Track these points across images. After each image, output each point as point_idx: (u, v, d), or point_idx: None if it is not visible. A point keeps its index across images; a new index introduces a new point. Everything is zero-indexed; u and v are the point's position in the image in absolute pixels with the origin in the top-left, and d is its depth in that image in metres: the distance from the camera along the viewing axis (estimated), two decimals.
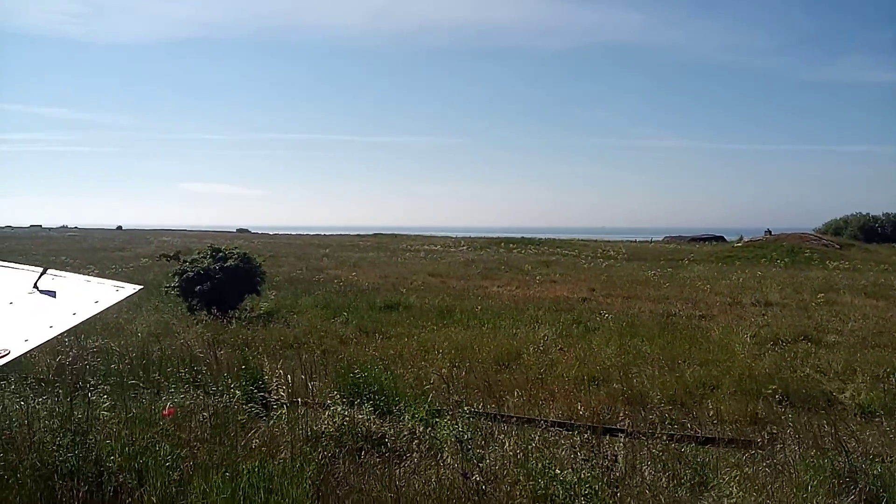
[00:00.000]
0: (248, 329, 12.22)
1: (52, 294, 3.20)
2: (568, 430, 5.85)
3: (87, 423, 4.88)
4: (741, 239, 46.15)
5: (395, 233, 68.59)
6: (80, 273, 3.49)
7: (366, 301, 16.74)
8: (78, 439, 4.55)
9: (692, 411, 7.58)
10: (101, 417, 5.29)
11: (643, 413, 7.10)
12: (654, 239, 56.68)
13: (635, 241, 52.06)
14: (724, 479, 4.81)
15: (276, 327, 12.70)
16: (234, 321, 13.09)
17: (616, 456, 4.39)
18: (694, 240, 53.06)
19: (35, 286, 3.29)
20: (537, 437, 5.35)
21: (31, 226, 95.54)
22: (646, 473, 4.56)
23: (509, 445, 5.07)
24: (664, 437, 5.51)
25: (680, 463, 5.06)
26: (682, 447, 5.60)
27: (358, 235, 61.06)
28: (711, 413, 7.38)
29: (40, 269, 3.37)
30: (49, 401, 5.77)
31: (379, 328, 12.86)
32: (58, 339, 2.92)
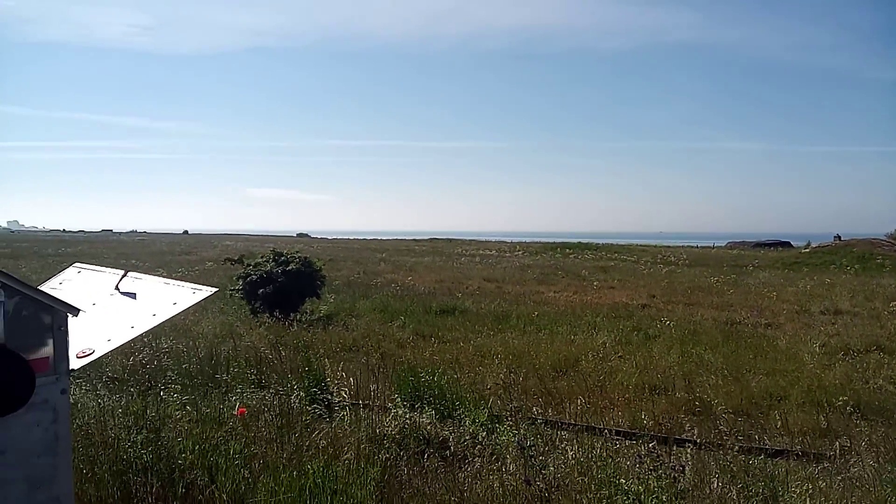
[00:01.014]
0: (309, 331, 12.45)
1: (133, 296, 3.36)
2: (631, 440, 5.76)
3: (160, 422, 5.06)
4: (808, 244, 44.56)
5: (451, 237, 68.87)
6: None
7: (422, 305, 16.84)
8: (151, 437, 4.71)
9: (759, 422, 7.38)
10: (172, 416, 5.47)
11: (707, 424, 6.94)
12: (716, 244, 55.40)
13: (697, 247, 50.92)
14: (795, 493, 4.65)
15: (336, 330, 12.90)
16: (295, 323, 13.36)
17: (683, 467, 4.30)
18: (758, 245, 51.54)
19: (117, 288, 3.46)
20: (599, 446, 5.28)
21: (103, 230, 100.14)
22: (714, 485, 4.45)
23: (572, 453, 5.03)
24: (734, 449, 5.36)
25: (748, 475, 4.92)
26: (750, 459, 5.45)
27: (414, 240, 61.62)
28: (779, 424, 7.15)
29: (122, 272, 3.54)
30: (123, 399, 6.00)
31: (435, 332, 12.92)
32: (131, 339, 3.06)
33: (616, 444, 5.39)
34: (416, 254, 40.88)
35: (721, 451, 5.39)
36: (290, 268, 15.04)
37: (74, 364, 2.90)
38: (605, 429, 6.14)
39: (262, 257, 16.08)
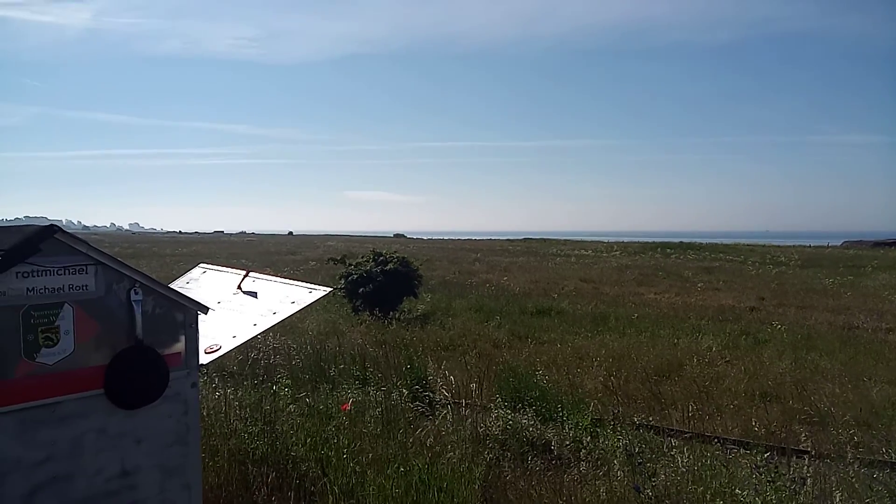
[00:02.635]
0: (407, 330, 12.67)
1: (254, 295, 3.54)
2: (745, 449, 5.51)
3: (274, 415, 5.29)
4: None
5: (545, 237, 68.11)
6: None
7: (517, 306, 16.78)
8: (266, 429, 4.95)
9: (881, 433, 6.90)
10: (285, 409, 5.72)
11: (825, 434, 6.56)
12: (831, 244, 52.19)
13: (809, 246, 48.12)
14: None
15: (433, 329, 13.05)
16: (394, 322, 13.63)
17: (805, 479, 4.08)
18: (878, 244, 48.10)
19: (239, 287, 3.66)
20: (710, 454, 5.10)
21: (215, 231, 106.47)
22: (836, 499, 4.20)
23: (682, 461, 4.87)
24: (858, 462, 5.03)
25: (872, 490, 4.61)
26: (874, 472, 5.10)
27: (508, 240, 61.40)
28: None
29: (243, 272, 3.74)
30: (239, 392, 6.31)
31: (531, 333, 12.83)
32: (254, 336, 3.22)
33: (729, 453, 5.18)
34: (510, 254, 40.74)
35: (842, 463, 5.08)
36: (388, 267, 15.37)
37: (203, 359, 3.08)
38: (716, 437, 5.91)
39: (362, 257, 16.51)
